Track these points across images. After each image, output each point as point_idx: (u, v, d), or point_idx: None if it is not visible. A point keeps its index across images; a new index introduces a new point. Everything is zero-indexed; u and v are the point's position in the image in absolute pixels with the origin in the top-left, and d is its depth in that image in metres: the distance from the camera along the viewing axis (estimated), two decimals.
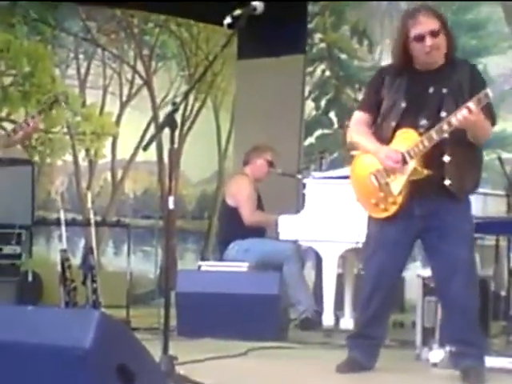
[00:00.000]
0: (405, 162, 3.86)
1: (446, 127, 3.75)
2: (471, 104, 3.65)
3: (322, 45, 8.59)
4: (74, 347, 2.51)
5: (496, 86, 3.68)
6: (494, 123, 3.92)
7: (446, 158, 3.82)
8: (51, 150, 7.72)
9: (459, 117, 3.68)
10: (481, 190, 5.39)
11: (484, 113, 3.73)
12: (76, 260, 6.61)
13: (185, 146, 8.50)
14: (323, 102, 8.50)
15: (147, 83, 8.42)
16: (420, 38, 3.83)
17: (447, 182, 3.83)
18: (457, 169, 3.83)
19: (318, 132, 8.49)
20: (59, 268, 5.86)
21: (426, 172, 3.84)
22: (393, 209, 3.93)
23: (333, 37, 8.51)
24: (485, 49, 7.40)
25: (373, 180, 3.97)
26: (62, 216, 6.06)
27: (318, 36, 8.63)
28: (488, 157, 6.82)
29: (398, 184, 3.90)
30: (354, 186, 4.15)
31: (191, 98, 8.54)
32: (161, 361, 3.11)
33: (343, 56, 8.44)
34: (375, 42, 8.13)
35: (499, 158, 5.69)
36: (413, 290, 5.22)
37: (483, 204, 5.25)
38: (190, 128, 8.62)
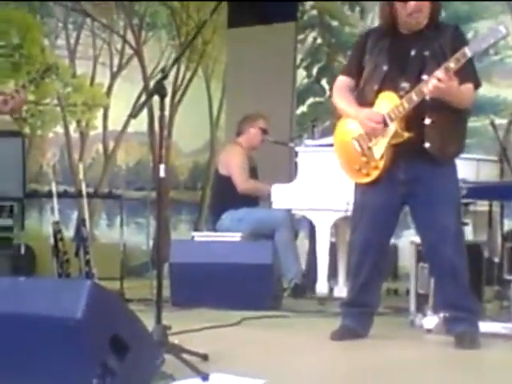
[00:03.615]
0: (385, 124, 3.83)
1: (425, 89, 3.72)
2: (439, 72, 3.62)
3: (314, 12, 8.53)
4: (66, 317, 2.50)
5: (473, 45, 3.64)
6: (477, 85, 3.89)
7: (427, 121, 3.80)
8: (42, 121, 7.66)
9: (430, 86, 3.65)
10: (474, 155, 5.40)
11: (464, 75, 3.71)
12: (69, 232, 6.59)
13: (176, 117, 8.46)
14: (315, 70, 8.45)
15: (137, 53, 8.36)
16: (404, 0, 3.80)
17: (427, 145, 3.80)
18: (437, 132, 3.80)
19: (310, 100, 8.45)
20: (52, 240, 5.84)
21: (406, 135, 3.81)
22: (375, 173, 3.92)
23: (324, 3, 8.44)
24: (476, 13, 7.36)
25: (355, 145, 3.96)
26: (54, 188, 6.03)
27: (309, 3, 8.57)
28: (481, 122, 6.84)
29: (379, 148, 3.89)
30: (337, 152, 4.14)
31: (182, 67, 8.49)
32: (154, 330, 3.09)
33: (335, 23, 8.38)
34: (367, 9, 8.07)
35: (492, 124, 5.66)
36: (406, 258, 5.22)
37: (476, 169, 5.24)
38: (181, 98, 8.57)
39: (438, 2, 3.91)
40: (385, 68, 3.90)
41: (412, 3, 3.81)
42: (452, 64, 3.63)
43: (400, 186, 3.91)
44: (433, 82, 3.65)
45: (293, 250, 5.98)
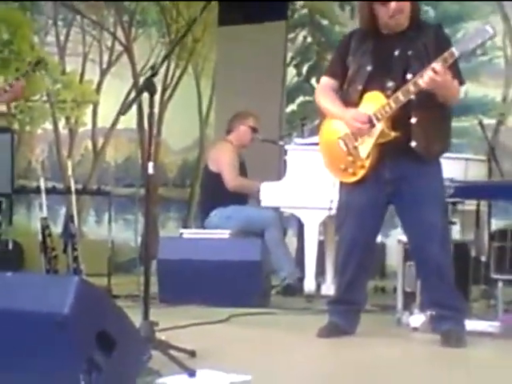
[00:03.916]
0: (372, 124, 3.84)
1: (412, 88, 3.73)
2: (436, 64, 3.63)
3: (304, 11, 8.54)
4: (53, 313, 2.49)
5: (461, 45, 3.66)
6: (461, 83, 3.90)
7: (413, 120, 3.81)
8: (31, 118, 7.65)
9: (425, 79, 3.66)
10: (462, 155, 5.42)
11: (451, 73, 3.71)
12: (57, 228, 6.58)
13: (166, 114, 8.45)
14: (305, 69, 8.47)
15: (127, 50, 8.35)
16: (384, 1, 3.81)
17: (413, 144, 3.81)
18: (423, 130, 3.81)
19: (300, 99, 8.46)
20: (40, 236, 5.83)
21: (393, 134, 3.82)
22: (361, 173, 3.92)
23: (315, 3, 8.45)
24: (467, 13, 7.39)
25: (341, 144, 3.96)
26: (43, 184, 6.02)
27: (299, 2, 8.58)
28: (469, 122, 6.87)
29: (366, 147, 3.89)
30: (322, 151, 4.14)
31: (172, 65, 8.49)
32: (141, 326, 3.09)
33: (325, 22, 8.39)
34: (357, 8, 8.08)
35: (480, 123, 5.69)
36: (394, 256, 5.24)
37: (464, 169, 5.26)
38: (170, 96, 8.57)
39: (417, 2, 3.92)
40: (369, 68, 3.90)
41: (393, 4, 3.81)
42: (440, 63, 3.64)
43: (385, 185, 3.92)
44: (429, 74, 3.64)
45: (284, 248, 5.98)
